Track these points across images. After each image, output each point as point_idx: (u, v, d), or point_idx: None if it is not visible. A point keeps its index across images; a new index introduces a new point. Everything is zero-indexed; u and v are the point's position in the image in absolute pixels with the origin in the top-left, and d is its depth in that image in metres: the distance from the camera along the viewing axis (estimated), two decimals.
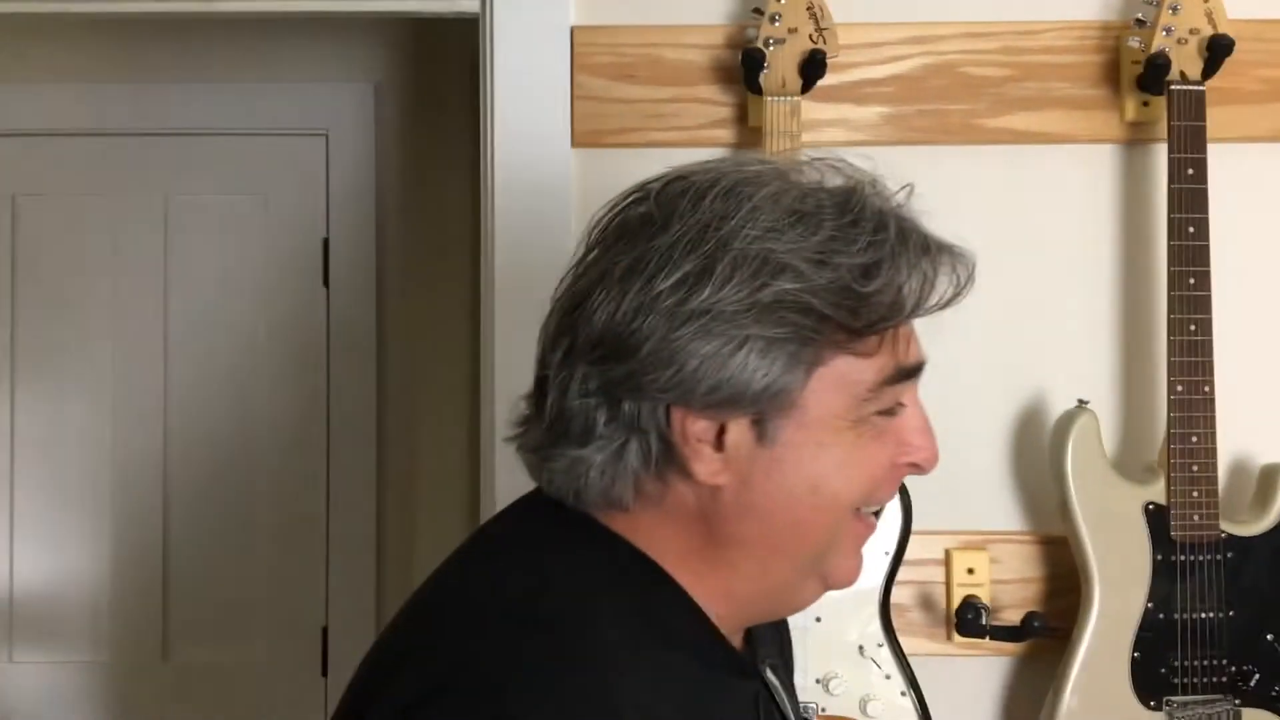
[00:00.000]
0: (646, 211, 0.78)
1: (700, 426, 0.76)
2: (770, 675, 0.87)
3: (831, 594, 1.30)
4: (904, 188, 0.79)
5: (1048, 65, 1.45)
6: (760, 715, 0.83)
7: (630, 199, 0.80)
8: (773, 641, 0.91)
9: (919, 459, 0.80)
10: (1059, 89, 1.45)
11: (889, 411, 0.78)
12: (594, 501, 0.78)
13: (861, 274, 0.74)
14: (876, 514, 0.86)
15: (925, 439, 0.80)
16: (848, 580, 0.83)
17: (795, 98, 1.37)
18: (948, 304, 0.77)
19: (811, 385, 0.75)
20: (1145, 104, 1.42)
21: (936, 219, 1.47)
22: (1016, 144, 1.45)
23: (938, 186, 1.43)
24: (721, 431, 0.76)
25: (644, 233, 0.77)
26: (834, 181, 0.79)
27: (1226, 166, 1.39)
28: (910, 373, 0.79)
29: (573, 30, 1.45)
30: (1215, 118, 1.36)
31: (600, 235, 0.80)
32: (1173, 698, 1.32)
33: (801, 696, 1.31)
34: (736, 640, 0.83)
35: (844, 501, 0.79)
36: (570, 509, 0.79)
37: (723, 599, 0.79)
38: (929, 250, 0.77)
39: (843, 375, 0.76)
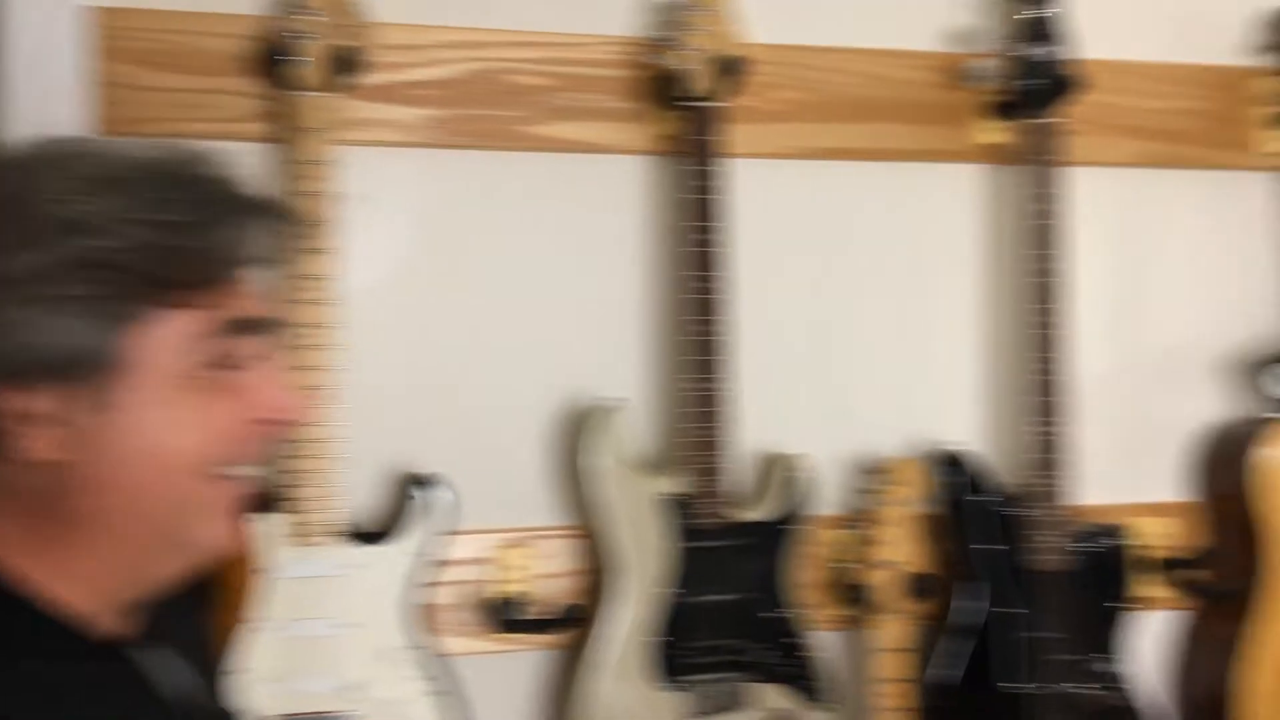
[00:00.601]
0: None
1: (19, 402, 0.72)
2: (159, 655, 0.83)
3: (361, 596, 1.31)
4: (233, 165, 0.79)
5: (586, 77, 1.50)
6: (137, 693, 0.79)
7: None
8: (167, 618, 0.86)
9: (272, 415, 0.79)
10: (596, 100, 1.50)
11: (230, 365, 0.77)
12: None
13: (175, 231, 0.74)
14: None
15: (276, 394, 0.79)
16: (219, 546, 0.80)
17: (329, 94, 1.34)
18: (272, 260, 0.79)
19: (134, 344, 0.74)
20: (671, 119, 1.50)
21: (482, 221, 1.51)
22: (558, 151, 1.50)
23: (484, 190, 1.50)
24: (45, 404, 0.72)
25: None
26: (159, 155, 0.78)
27: (751, 181, 1.50)
28: (245, 326, 0.78)
29: (97, 12, 1.36)
30: (741, 135, 1.47)
31: None
32: (690, 677, 1.40)
33: (330, 705, 1.29)
34: (118, 621, 0.80)
35: (190, 462, 0.76)
36: None
37: (83, 582, 0.76)
38: (247, 209, 0.78)
39: (169, 331, 0.75)
